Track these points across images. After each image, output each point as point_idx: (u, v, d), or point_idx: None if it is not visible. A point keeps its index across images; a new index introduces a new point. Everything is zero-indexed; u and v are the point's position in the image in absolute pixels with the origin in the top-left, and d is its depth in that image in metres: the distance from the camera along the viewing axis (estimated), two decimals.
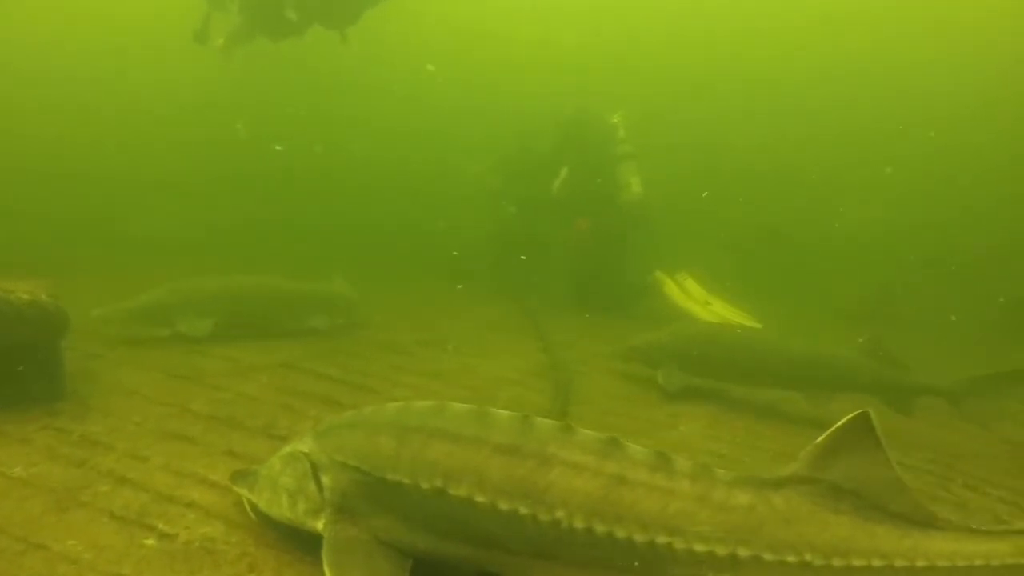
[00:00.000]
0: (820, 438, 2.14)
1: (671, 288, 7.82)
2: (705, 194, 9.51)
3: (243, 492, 2.86)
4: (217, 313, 5.84)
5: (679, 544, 2.06)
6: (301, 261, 9.55)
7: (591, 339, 6.82)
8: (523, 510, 2.16)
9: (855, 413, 2.10)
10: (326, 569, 2.33)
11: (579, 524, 2.11)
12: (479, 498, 2.20)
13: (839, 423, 2.11)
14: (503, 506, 2.17)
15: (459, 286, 8.83)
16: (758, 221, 11.15)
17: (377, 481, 2.40)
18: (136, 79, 13.40)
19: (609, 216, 8.11)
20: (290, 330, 6.14)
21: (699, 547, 2.06)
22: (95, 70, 13.46)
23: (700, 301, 7.91)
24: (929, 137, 11.95)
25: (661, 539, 2.07)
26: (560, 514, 2.13)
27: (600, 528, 2.10)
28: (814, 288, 10.16)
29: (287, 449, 2.81)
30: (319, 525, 2.53)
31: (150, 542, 2.67)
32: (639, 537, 2.08)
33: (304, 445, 2.73)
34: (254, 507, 2.80)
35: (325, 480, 2.56)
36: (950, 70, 14.12)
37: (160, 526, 2.78)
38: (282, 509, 2.65)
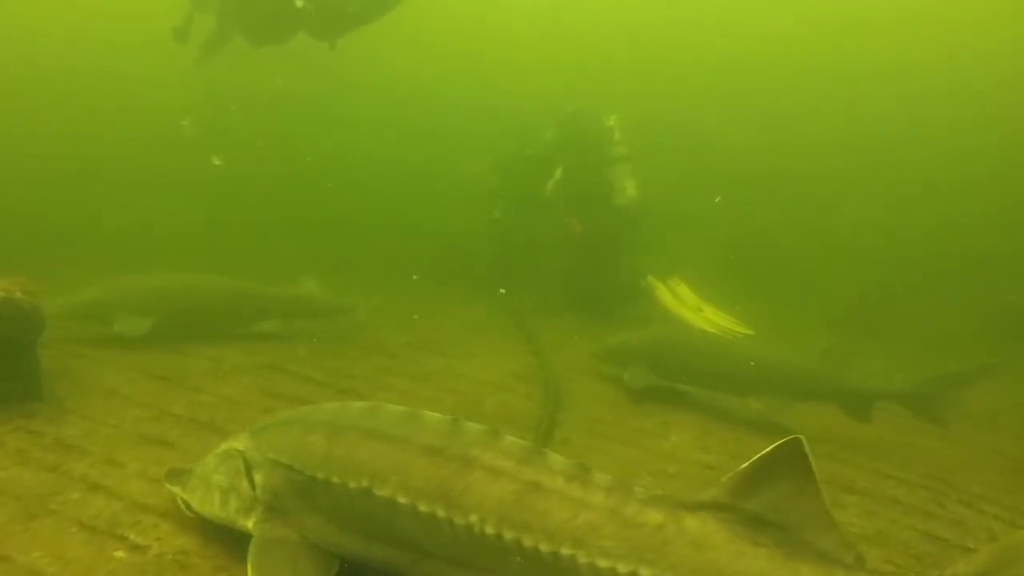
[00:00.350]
0: (746, 463, 1.99)
1: (663, 293, 7.74)
2: (718, 199, 9.41)
3: (176, 490, 2.82)
4: (157, 312, 5.46)
5: (582, 558, 2.00)
6: (289, 260, 9.47)
7: (580, 342, 6.72)
8: (441, 513, 2.15)
9: (786, 439, 1.94)
10: (249, 569, 2.31)
11: (490, 530, 2.08)
12: (402, 499, 2.19)
13: (767, 449, 1.96)
14: (423, 508, 2.16)
15: (415, 277, 8.71)
16: (753, 224, 11.09)
17: (307, 480, 2.39)
18: (129, 73, 13.19)
19: (603, 218, 8.03)
20: (269, 333, 5.97)
21: (602, 562, 1.98)
22: (87, 63, 13.24)
23: (692, 307, 7.83)
24: (929, 139, 11.93)
25: (565, 551, 2.01)
26: (473, 519, 2.10)
27: (509, 535, 2.06)
28: (809, 292, 10.12)
29: (223, 446, 2.77)
30: (250, 524, 2.51)
31: (120, 554, 2.57)
32: (545, 547, 2.03)
33: (239, 442, 2.70)
34: (188, 506, 2.75)
35: (258, 478, 2.54)
36: (950, 72, 14.10)
37: (132, 537, 2.68)
38: (214, 507, 2.63)
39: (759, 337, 7.56)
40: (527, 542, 2.04)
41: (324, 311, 6.44)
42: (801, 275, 10.50)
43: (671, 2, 15.77)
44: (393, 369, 5.36)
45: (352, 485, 2.27)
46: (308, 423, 2.54)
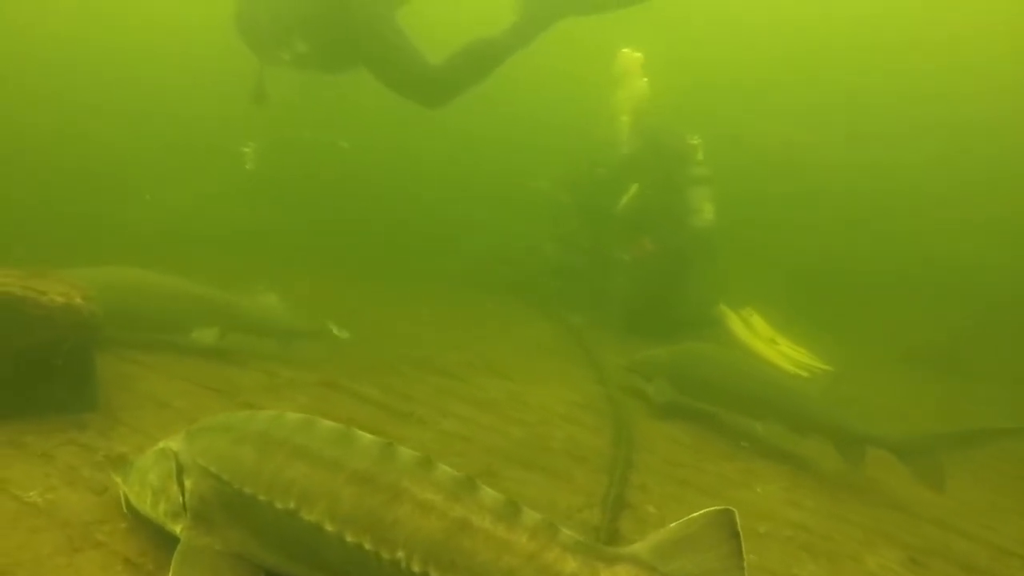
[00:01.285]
0: (673, 524, 1.93)
1: (735, 323, 7.35)
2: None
3: (119, 480, 2.80)
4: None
5: None
6: (344, 267, 9.34)
7: None
8: (368, 545, 2.10)
9: (718, 508, 1.91)
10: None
11: (417, 568, 2.04)
12: (328, 527, 2.15)
13: (695, 514, 1.91)
14: (350, 538, 2.12)
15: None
16: (827, 250, 10.59)
17: (234, 493, 2.35)
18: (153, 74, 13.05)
19: (676, 240, 7.66)
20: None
21: None
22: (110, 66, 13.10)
23: (765, 338, 7.44)
24: None
25: None
26: (400, 554, 2.06)
27: (435, 574, 2.02)
28: (887, 326, 9.58)
29: (160, 444, 2.74)
30: (177, 529, 2.48)
31: None
32: None
33: (175, 443, 2.66)
34: (127, 499, 2.72)
35: (187, 483, 2.51)
36: None
37: None
38: (146, 506, 2.62)
39: (835, 372, 7.16)
40: None
41: (274, 330, 5.62)
42: (879, 307, 9.95)
43: (750, 17, 15.25)
44: (454, 392, 5.08)
45: (279, 505, 2.23)
46: (241, 432, 2.48)
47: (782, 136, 11.92)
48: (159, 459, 2.64)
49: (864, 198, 11.19)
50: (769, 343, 7.44)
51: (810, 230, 11.01)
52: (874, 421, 4.80)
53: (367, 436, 2.31)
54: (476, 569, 1.99)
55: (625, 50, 8.72)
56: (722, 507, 1.91)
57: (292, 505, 2.20)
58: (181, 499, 2.49)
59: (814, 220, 10.95)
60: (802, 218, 10.93)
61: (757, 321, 7.58)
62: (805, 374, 6.96)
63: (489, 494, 2.13)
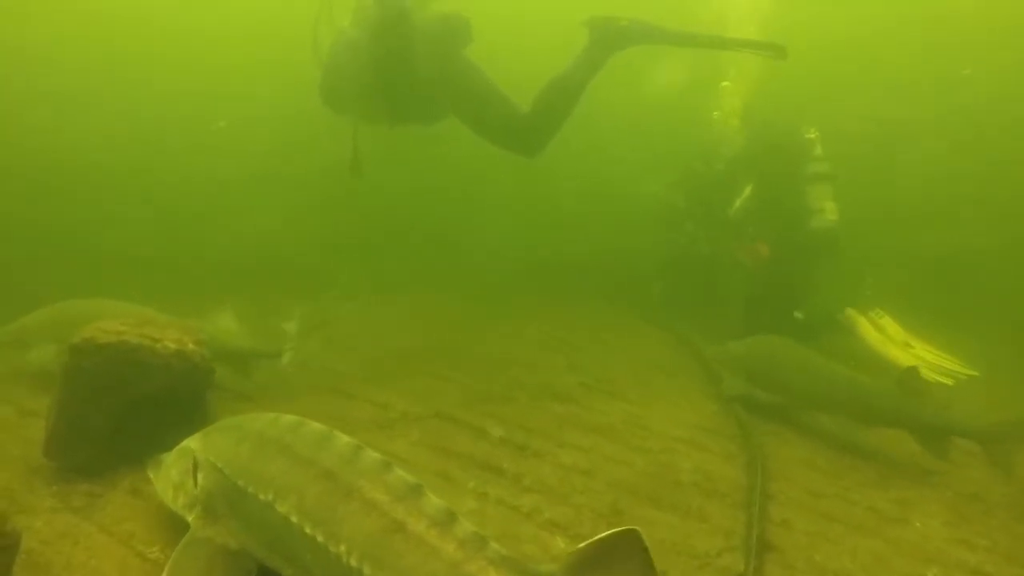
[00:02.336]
0: (584, 543, 1.90)
1: (865, 328, 6.80)
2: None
3: (151, 475, 3.14)
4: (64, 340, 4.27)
5: None
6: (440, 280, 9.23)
7: None
8: (320, 538, 2.26)
9: (623, 529, 1.89)
10: (168, 563, 2.58)
11: (354, 562, 2.16)
12: (294, 518, 2.34)
13: (604, 534, 1.89)
14: (308, 530, 2.28)
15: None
16: (957, 246, 9.75)
17: (231, 486, 2.61)
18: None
19: (796, 242, 7.14)
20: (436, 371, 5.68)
21: None
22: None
23: (899, 342, 6.85)
24: None
25: None
26: (343, 548, 2.19)
27: (367, 571, 2.13)
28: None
29: (183, 442, 3.05)
30: (190, 520, 2.78)
31: None
32: None
33: (194, 441, 2.95)
34: (157, 491, 3.07)
35: (200, 478, 2.79)
36: None
37: None
38: (169, 499, 2.95)
39: (979, 378, 6.53)
40: None
41: (224, 352, 5.11)
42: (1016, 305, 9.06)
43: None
44: (572, 419, 4.84)
45: (261, 497, 2.47)
46: (245, 431, 2.75)
47: (904, 116, 11.03)
48: (180, 456, 2.97)
49: (1003, 184, 10.22)
50: (904, 347, 6.85)
51: (943, 220, 10.17)
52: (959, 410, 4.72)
53: (344, 438, 2.50)
54: (403, 570, 2.08)
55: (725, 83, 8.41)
56: (627, 528, 1.87)
57: (270, 497, 2.43)
58: (194, 492, 2.79)
59: (947, 209, 10.10)
60: (934, 207, 10.10)
61: (888, 323, 6.99)
62: (949, 381, 6.36)
63: (432, 501, 2.23)
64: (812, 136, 7.17)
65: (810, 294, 7.33)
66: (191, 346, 3.64)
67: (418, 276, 9.54)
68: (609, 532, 1.89)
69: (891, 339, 6.86)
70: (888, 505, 3.87)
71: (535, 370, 5.98)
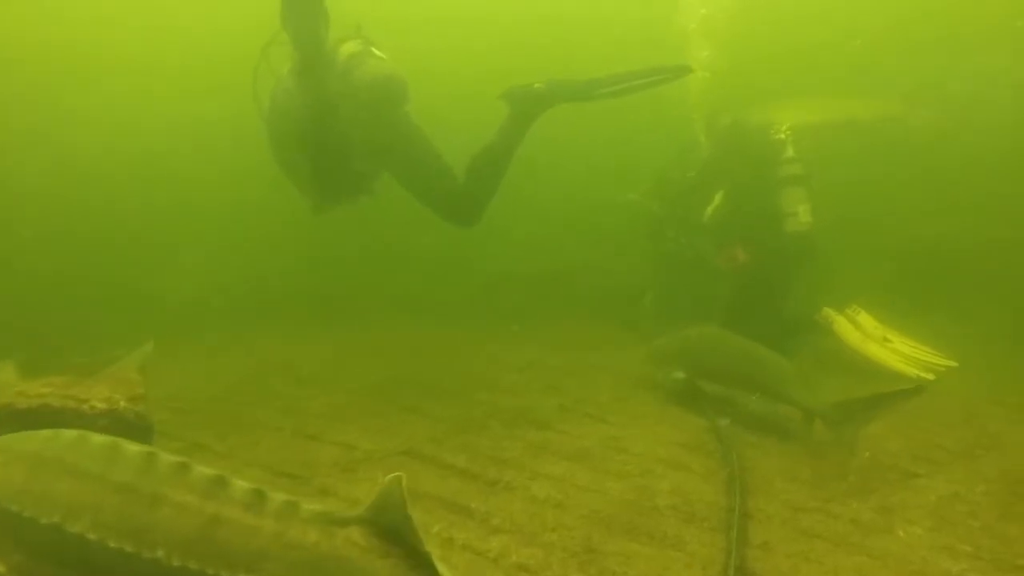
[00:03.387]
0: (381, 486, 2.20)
1: (844, 327, 6.71)
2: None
3: None
4: None
5: None
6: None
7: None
8: (129, 548, 2.26)
9: (392, 476, 2.17)
10: None
11: (176, 562, 2.21)
12: (92, 535, 2.31)
13: (387, 478, 2.19)
14: (113, 544, 2.27)
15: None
16: (931, 233, 9.69)
17: (3, 512, 2.47)
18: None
19: (770, 247, 7.02)
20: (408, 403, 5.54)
21: None
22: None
23: (877, 338, 6.77)
24: None
25: None
26: (161, 553, 2.23)
27: (194, 566, 2.20)
28: (1003, 312, 8.63)
29: None
30: None
31: None
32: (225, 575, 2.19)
33: None
34: None
35: None
36: None
37: None
38: None
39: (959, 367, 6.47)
40: (210, 571, 2.19)
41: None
42: (992, 292, 8.99)
43: None
44: (547, 446, 4.69)
45: (44, 521, 2.37)
46: (16, 452, 2.59)
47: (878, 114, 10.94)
48: None
49: (980, 172, 10.13)
50: (881, 342, 6.77)
51: (917, 212, 10.10)
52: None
53: (133, 447, 2.45)
54: (231, 556, 2.19)
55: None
56: (395, 476, 2.16)
57: (57, 519, 2.34)
58: None
59: (921, 201, 10.02)
60: (908, 200, 10.02)
61: (865, 319, 6.91)
62: (930, 376, 6.28)
63: (239, 486, 2.31)
64: (783, 137, 7.06)
65: (788, 297, 7.24)
66: (123, 404, 3.48)
67: (390, 300, 9.40)
68: (386, 479, 2.17)
69: (869, 335, 6.78)
70: (871, 515, 3.75)
71: (512, 394, 5.85)
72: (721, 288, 7.61)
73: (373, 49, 5.28)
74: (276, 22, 5.13)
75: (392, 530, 2.16)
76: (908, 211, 10.23)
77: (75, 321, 7.98)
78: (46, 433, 2.63)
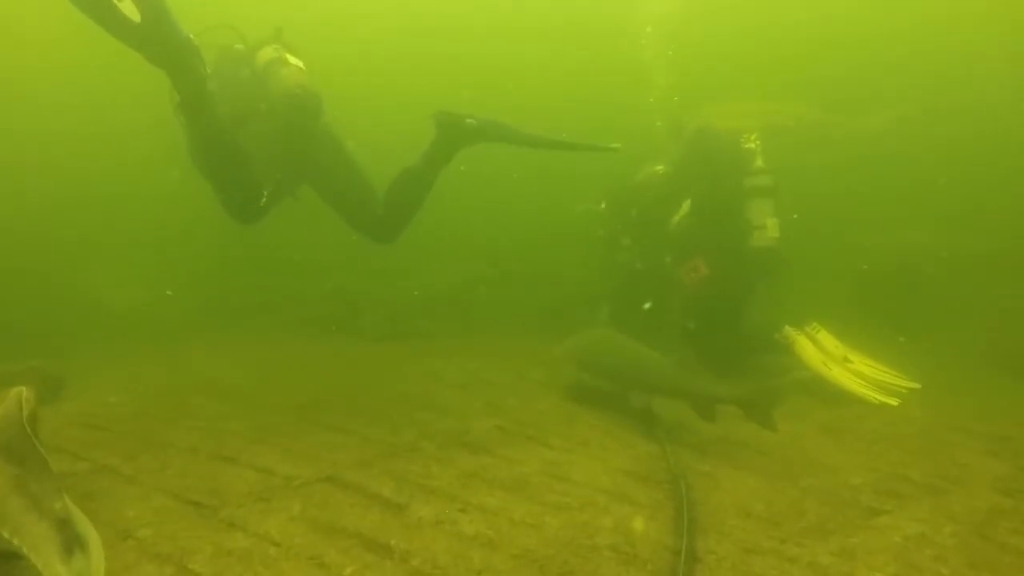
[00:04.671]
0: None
1: (803, 346, 6.42)
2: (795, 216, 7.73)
3: None
4: None
5: None
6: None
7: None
8: None
9: (16, 388, 2.30)
10: None
11: None
12: None
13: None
14: None
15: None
16: (892, 247, 9.51)
17: None
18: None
19: (735, 261, 6.71)
20: (337, 423, 5.10)
21: None
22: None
23: (838, 358, 6.50)
24: None
25: None
26: None
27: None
28: (964, 327, 8.47)
29: None
30: None
31: None
32: None
33: None
34: None
35: None
36: None
37: None
38: None
39: (922, 389, 6.21)
40: None
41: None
42: (954, 307, 8.84)
43: None
44: (482, 473, 4.30)
45: None
46: None
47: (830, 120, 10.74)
48: None
49: (939, 183, 9.98)
50: (843, 362, 6.49)
51: (873, 225, 9.93)
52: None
53: None
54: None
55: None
56: (18, 388, 2.23)
57: None
58: None
59: (878, 214, 9.86)
60: (864, 212, 9.86)
61: (825, 337, 6.64)
62: (894, 401, 5.99)
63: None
64: (751, 146, 6.75)
65: (750, 315, 6.94)
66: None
67: (330, 309, 8.95)
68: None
69: (830, 354, 6.49)
70: (830, 559, 3.40)
71: (448, 415, 5.44)
72: (677, 301, 7.30)
73: (288, 56, 5.13)
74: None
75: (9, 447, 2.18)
76: (868, 222, 10.09)
77: None
78: None
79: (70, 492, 3.77)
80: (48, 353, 6.87)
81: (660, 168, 7.80)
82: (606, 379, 5.87)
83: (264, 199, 5.04)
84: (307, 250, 9.94)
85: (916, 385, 6.28)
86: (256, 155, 4.86)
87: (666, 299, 7.76)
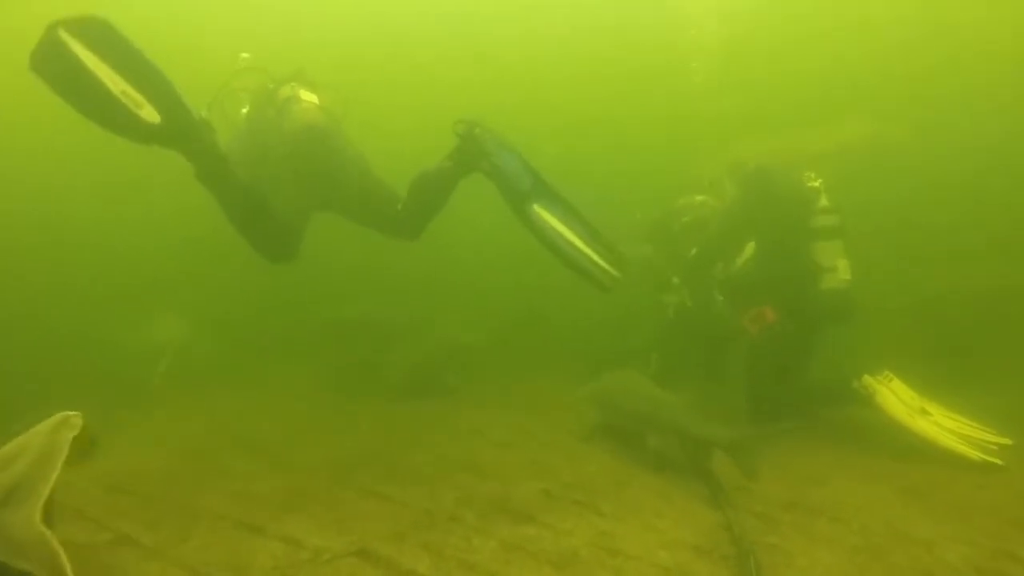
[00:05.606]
0: None
1: (887, 398, 5.85)
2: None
3: None
4: None
5: None
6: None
7: (777, 475, 5.02)
8: None
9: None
10: None
11: None
12: None
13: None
14: None
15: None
16: (973, 287, 8.86)
17: None
18: None
19: (805, 306, 6.25)
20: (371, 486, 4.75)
21: None
22: None
23: (914, 408, 5.92)
24: None
25: None
26: None
27: None
28: None
29: None
30: None
31: None
32: None
33: None
34: None
35: None
36: None
37: None
38: None
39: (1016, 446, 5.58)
40: None
41: None
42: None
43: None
44: (526, 546, 3.89)
45: None
46: None
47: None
48: None
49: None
50: (920, 413, 5.90)
51: (942, 259, 9.30)
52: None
53: None
54: None
55: None
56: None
57: None
58: None
59: (949, 246, 9.22)
60: (933, 246, 9.23)
61: (899, 387, 6.05)
62: (999, 461, 5.35)
63: None
64: (816, 185, 6.31)
65: (822, 363, 6.44)
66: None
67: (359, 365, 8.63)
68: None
69: (908, 406, 5.93)
70: None
71: (490, 476, 5.04)
72: (738, 350, 6.81)
73: (302, 93, 5.34)
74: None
75: None
76: (932, 257, 9.47)
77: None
78: None
79: (88, 565, 3.55)
80: (76, 402, 6.66)
81: (700, 199, 7.41)
82: (622, 419, 5.85)
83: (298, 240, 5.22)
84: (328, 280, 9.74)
85: (1008, 441, 5.67)
86: (283, 197, 4.94)
87: (720, 341, 7.31)
